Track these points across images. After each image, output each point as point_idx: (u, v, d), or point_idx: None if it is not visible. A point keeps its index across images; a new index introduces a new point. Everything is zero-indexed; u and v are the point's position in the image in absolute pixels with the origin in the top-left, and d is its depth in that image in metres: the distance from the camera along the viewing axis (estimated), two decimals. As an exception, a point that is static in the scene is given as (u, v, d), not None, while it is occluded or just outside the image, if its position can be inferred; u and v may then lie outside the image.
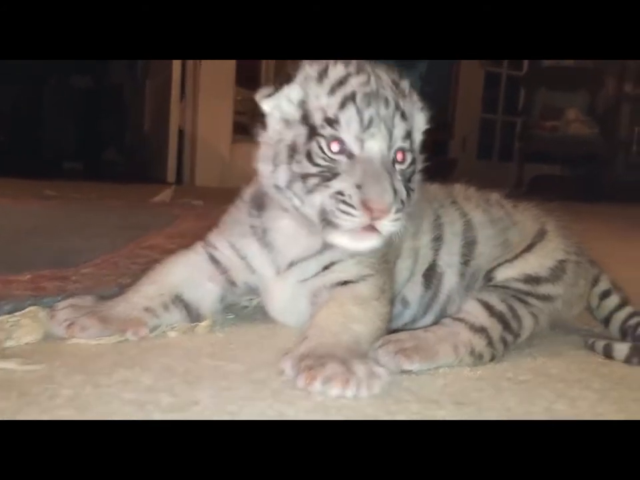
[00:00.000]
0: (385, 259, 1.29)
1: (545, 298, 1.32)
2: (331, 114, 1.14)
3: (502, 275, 1.33)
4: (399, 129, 1.17)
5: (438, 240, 1.38)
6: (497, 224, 1.40)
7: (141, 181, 5.79)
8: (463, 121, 9.68)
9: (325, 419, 0.90)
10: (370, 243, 1.14)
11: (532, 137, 9.17)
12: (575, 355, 1.33)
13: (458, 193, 1.47)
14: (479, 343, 1.20)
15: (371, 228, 1.11)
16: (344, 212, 1.10)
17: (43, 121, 7.11)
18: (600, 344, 1.33)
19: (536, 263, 1.34)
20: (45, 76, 6.91)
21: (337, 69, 1.19)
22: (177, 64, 6.24)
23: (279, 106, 1.21)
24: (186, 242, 1.45)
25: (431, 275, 1.38)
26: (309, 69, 1.20)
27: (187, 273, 1.33)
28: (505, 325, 1.25)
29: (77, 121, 7.38)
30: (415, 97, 1.25)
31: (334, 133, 1.14)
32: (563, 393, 1.09)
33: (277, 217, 1.29)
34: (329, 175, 1.13)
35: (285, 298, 1.31)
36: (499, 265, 1.35)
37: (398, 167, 1.17)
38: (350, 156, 1.13)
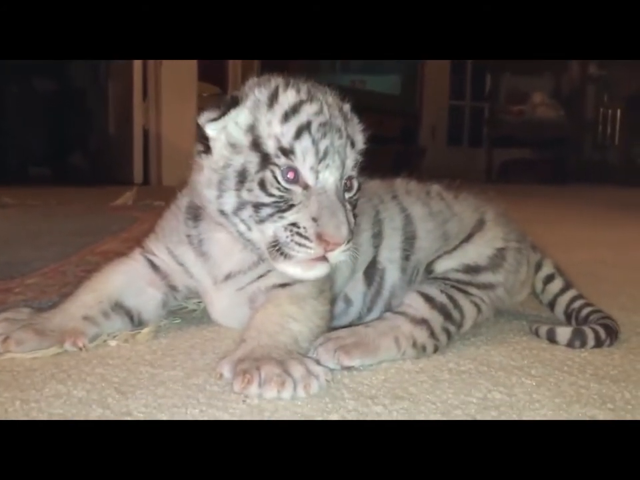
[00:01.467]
0: None
1: (486, 286, 1.33)
2: (285, 143, 1.11)
3: (441, 266, 1.34)
4: (351, 159, 1.16)
5: (378, 236, 1.38)
6: (437, 217, 1.41)
7: (107, 184, 5.71)
8: (431, 109, 9.73)
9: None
10: (319, 271, 1.13)
11: (500, 122, 9.27)
12: (518, 341, 1.34)
13: (399, 187, 1.47)
14: (421, 335, 1.21)
15: (322, 258, 1.11)
16: (299, 244, 1.09)
17: (5, 125, 6.96)
18: (543, 329, 1.34)
19: (474, 252, 1.35)
20: (5, 79, 6.76)
21: (287, 95, 1.14)
22: (138, 64, 6.16)
23: (225, 130, 1.17)
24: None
25: (372, 272, 1.38)
26: (258, 92, 1.16)
27: (127, 280, 1.31)
28: (447, 315, 1.25)
29: (40, 125, 7.24)
30: (356, 120, 1.23)
31: (289, 163, 1.11)
32: (501, 381, 1.10)
33: (213, 230, 1.27)
34: (284, 205, 1.11)
35: (224, 305, 1.31)
36: (439, 257, 1.35)
37: (347, 195, 1.17)
38: (305, 187, 1.12)
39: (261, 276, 1.26)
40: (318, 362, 1.09)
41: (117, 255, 1.95)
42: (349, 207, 1.15)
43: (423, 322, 1.22)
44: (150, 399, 0.98)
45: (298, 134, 1.11)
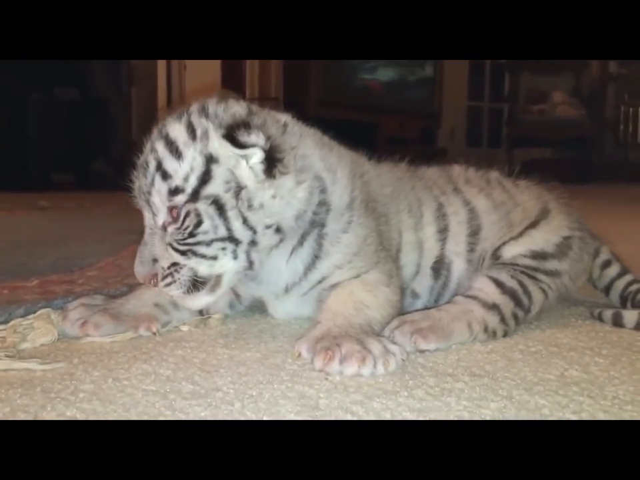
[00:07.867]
0: (382, 247, 1.28)
1: (552, 274, 1.33)
2: None
3: (509, 252, 1.34)
4: (157, 194, 1.12)
5: (444, 231, 1.38)
6: (501, 208, 1.41)
7: (131, 189, 5.76)
8: (449, 110, 9.70)
9: (345, 398, 0.91)
10: (190, 302, 1.18)
11: (519, 122, 9.21)
12: (582, 324, 1.35)
13: (458, 176, 1.48)
14: (492, 320, 1.22)
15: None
16: None
17: (28, 132, 7.05)
18: (608, 313, 1.34)
19: (541, 239, 1.34)
20: (28, 89, 6.85)
21: None
22: (161, 70, 6.23)
23: None
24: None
25: (439, 266, 1.38)
26: None
27: None
28: (517, 301, 1.26)
29: (63, 132, 7.32)
30: (215, 138, 1.11)
31: None
32: (575, 360, 1.11)
33: None
34: None
35: (290, 309, 1.31)
36: (505, 242, 1.35)
37: (172, 227, 1.12)
38: None
39: (320, 281, 1.24)
40: (393, 341, 1.10)
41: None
42: (169, 239, 1.12)
43: (494, 307, 1.23)
44: (235, 376, 1.00)
45: None
